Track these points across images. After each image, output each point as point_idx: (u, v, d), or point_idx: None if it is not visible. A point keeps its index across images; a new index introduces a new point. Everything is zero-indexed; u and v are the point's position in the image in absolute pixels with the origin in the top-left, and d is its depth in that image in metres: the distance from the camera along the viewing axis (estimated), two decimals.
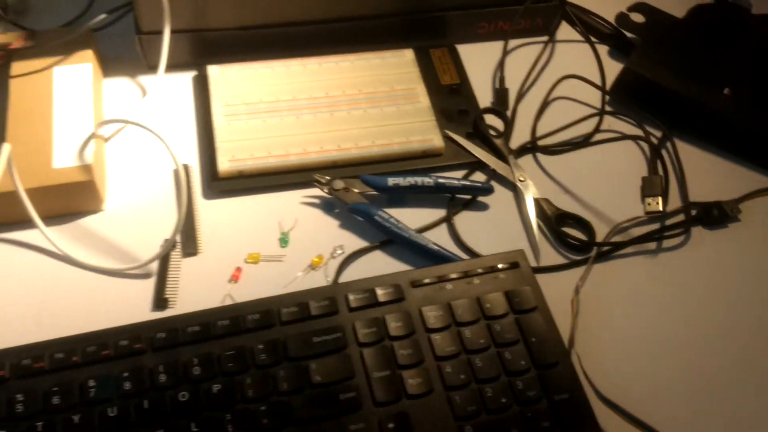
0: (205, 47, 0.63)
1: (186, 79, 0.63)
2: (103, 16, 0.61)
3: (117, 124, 0.59)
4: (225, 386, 0.44)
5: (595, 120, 0.63)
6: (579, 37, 0.69)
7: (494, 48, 0.68)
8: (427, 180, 0.56)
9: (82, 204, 0.53)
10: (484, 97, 0.64)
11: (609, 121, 0.63)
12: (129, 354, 0.44)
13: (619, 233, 0.56)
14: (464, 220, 0.56)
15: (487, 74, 0.66)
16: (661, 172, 0.59)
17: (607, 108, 0.64)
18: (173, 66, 0.62)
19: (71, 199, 0.52)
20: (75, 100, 0.56)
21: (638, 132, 0.63)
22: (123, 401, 0.43)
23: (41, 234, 0.51)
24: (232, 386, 0.44)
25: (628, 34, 0.69)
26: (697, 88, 0.61)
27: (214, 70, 0.61)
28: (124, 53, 0.63)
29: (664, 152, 0.61)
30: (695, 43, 0.65)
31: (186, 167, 0.56)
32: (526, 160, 0.60)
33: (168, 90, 0.62)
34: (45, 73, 0.57)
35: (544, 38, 0.70)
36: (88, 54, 0.59)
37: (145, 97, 0.61)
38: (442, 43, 0.67)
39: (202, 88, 0.61)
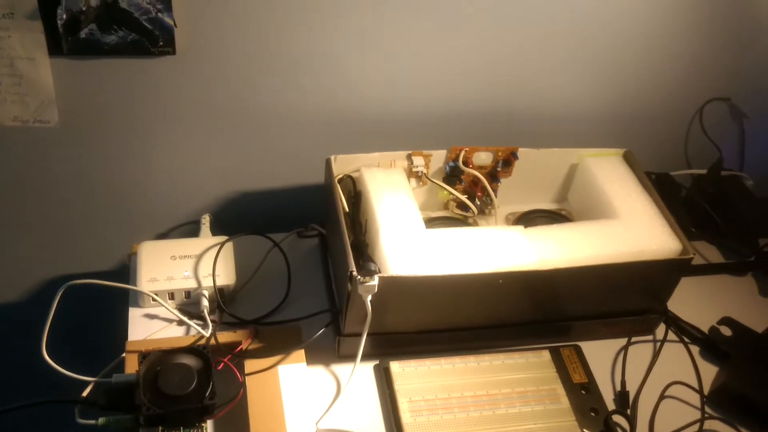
0: (385, 344, 0.78)
1: (368, 368, 0.78)
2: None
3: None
4: None
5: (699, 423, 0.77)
6: (675, 337, 0.86)
7: (610, 344, 0.84)
8: None
9: None
10: (604, 387, 0.79)
11: (710, 423, 0.78)
12: None
13: None
14: None
15: (606, 366, 0.82)
16: None
17: (707, 409, 0.78)
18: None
19: None
20: (297, 398, 0.71)
21: None
22: None
23: None
24: None
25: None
26: None
27: (395, 367, 0.76)
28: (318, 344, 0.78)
29: None
30: None
31: None
32: None
33: (356, 377, 0.77)
34: (272, 371, 0.73)
35: (649, 337, 0.86)
36: (301, 354, 0.75)
37: (341, 389, 0.76)
38: (568, 341, 0.83)
39: (384, 379, 0.76)
